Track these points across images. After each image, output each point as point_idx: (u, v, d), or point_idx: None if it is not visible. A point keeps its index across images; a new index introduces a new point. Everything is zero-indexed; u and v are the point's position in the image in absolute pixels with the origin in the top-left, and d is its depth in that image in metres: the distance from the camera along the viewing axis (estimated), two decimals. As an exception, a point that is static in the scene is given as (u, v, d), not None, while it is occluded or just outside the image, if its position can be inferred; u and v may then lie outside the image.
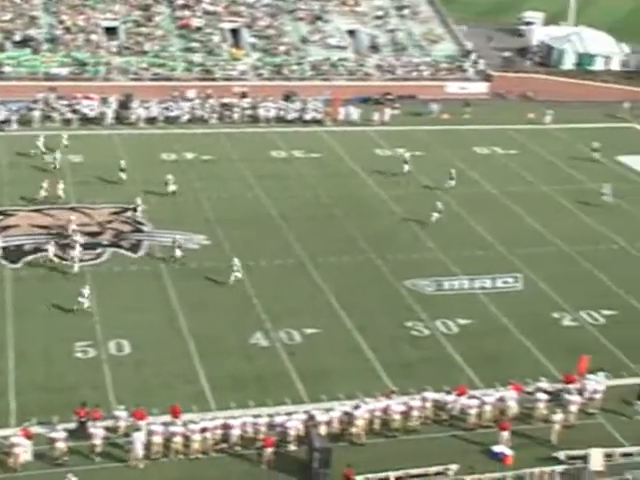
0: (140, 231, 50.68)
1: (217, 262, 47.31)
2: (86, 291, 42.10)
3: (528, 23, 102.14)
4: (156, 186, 55.82)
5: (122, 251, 48.16)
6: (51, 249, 46.27)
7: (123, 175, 56.75)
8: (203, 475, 32.26)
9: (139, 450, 32.21)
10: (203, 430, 32.99)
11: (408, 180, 60.22)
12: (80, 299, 41.70)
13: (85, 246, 47.05)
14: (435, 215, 53.52)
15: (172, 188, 54.89)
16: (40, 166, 58.42)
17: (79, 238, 47.18)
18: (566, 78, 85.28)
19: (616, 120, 77.11)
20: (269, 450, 32.63)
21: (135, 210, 52.28)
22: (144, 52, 77.38)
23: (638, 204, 58.66)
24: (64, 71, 74.17)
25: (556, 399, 36.51)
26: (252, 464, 32.77)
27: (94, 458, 32.44)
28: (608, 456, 33.65)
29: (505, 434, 34.16)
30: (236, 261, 45.55)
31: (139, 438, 32.25)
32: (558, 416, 34.85)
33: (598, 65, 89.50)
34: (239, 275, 45.30)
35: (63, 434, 32.29)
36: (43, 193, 53.08)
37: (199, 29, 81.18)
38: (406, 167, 61.23)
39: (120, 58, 76.57)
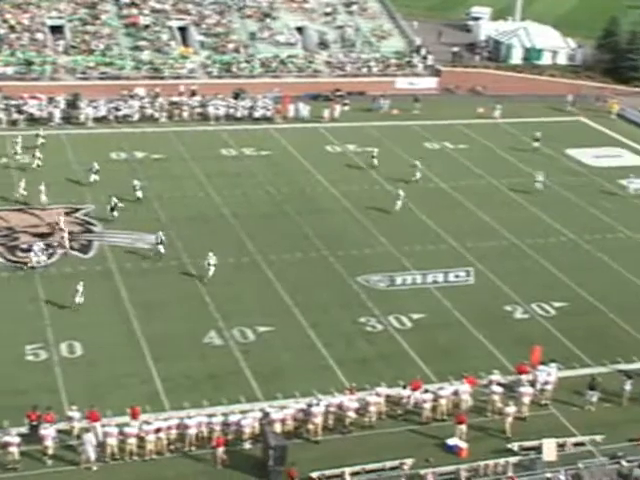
0: (90, 231, 50.20)
1: (169, 261, 47.05)
2: (80, 287, 42.06)
3: (475, 18, 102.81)
4: (105, 186, 55.31)
5: (73, 252, 47.65)
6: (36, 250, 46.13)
7: (96, 176, 56.09)
8: (158, 476, 32.03)
9: (91, 452, 31.90)
10: (157, 430, 32.78)
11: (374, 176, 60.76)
12: (77, 297, 41.80)
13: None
14: (399, 203, 54.44)
15: (139, 194, 53.67)
16: (17, 166, 58.24)
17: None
18: (514, 73, 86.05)
19: (564, 114, 77.94)
20: (220, 450, 32.51)
21: (113, 209, 51.66)
22: (91, 51, 76.61)
23: (586, 196, 59.35)
24: (9, 70, 73.21)
25: (509, 391, 36.85)
26: (207, 464, 32.63)
27: (46, 461, 32.08)
28: (561, 446, 34.02)
29: (462, 427, 34.37)
30: (211, 254, 45.63)
31: (90, 440, 31.93)
32: (511, 408, 35.14)
33: (545, 59, 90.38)
34: (212, 270, 45.40)
35: (17, 439, 31.85)
36: (22, 192, 52.97)
37: (147, 27, 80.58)
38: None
39: (67, 57, 75.77)
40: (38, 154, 58.68)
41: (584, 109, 78.52)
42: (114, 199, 52.11)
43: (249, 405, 35.07)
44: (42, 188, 53.04)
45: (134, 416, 33.53)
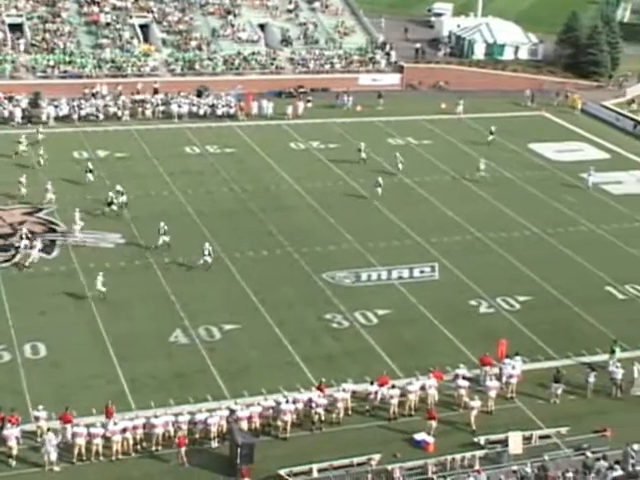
0: (54, 231, 49.80)
1: (133, 260, 46.82)
2: (101, 278, 42.64)
3: (438, 15, 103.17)
4: (69, 185, 54.89)
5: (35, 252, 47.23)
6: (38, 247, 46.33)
7: (91, 176, 55.90)
8: (124, 476, 31.85)
9: (52, 453, 31.64)
10: (123, 430, 32.60)
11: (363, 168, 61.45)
12: (99, 286, 42.43)
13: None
14: (379, 190, 55.90)
15: (123, 199, 52.89)
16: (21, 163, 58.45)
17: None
18: (477, 68, 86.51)
19: (526, 109, 78.44)
20: (182, 449, 32.32)
21: (110, 205, 51.79)
22: (52, 49, 75.94)
23: (549, 190, 59.76)
24: (-32, 70, 72.58)
25: (477, 385, 37.08)
26: (174, 463, 32.48)
27: (10, 463, 31.78)
28: (527, 439, 34.24)
29: (433, 423, 34.49)
30: (207, 245, 46.12)
31: (50, 440, 31.68)
32: (476, 402, 35.32)
33: (507, 55, 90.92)
34: (209, 259, 45.87)
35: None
36: (23, 190, 53.36)
37: (108, 25, 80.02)
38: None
39: (27, 56, 75.06)
40: (41, 151, 59.18)
41: (545, 104, 79.01)
42: (111, 194, 52.19)
43: (216, 403, 34.95)
44: (49, 187, 53.17)
45: (108, 415, 33.35)
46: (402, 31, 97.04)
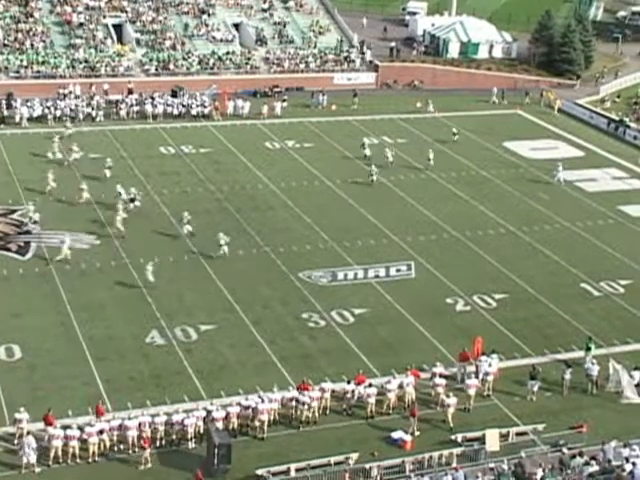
0: (28, 232, 49.46)
1: (109, 261, 46.59)
2: (150, 267, 44.06)
3: (412, 13, 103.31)
4: (42, 186, 54.62)
5: (9, 254, 46.93)
6: (67, 243, 46.77)
7: (108, 172, 56.46)
8: (101, 478, 31.68)
9: (31, 455, 31.44)
10: (100, 432, 32.43)
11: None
12: (149, 276, 43.71)
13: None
14: (373, 176, 58.37)
15: (137, 203, 52.86)
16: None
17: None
18: (451, 67, 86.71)
19: (501, 107, 78.71)
20: (147, 451, 32.16)
21: (133, 200, 52.48)
22: (24, 49, 75.41)
23: (523, 188, 60.01)
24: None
25: (458, 382, 37.21)
26: (152, 464, 32.34)
27: None
28: (503, 436, 34.36)
29: (414, 420, 34.54)
30: (222, 235, 47.30)
31: (30, 443, 31.45)
32: (452, 399, 35.41)
33: (481, 53, 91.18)
34: (226, 249, 47.12)
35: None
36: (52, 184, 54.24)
37: (81, 25, 79.57)
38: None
39: None
40: (75, 147, 59.93)
41: (519, 102, 79.29)
42: (132, 189, 52.98)
43: (193, 404, 34.80)
44: (84, 187, 53.65)
45: (99, 414, 33.33)
46: (380, 30, 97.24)
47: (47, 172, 55.32)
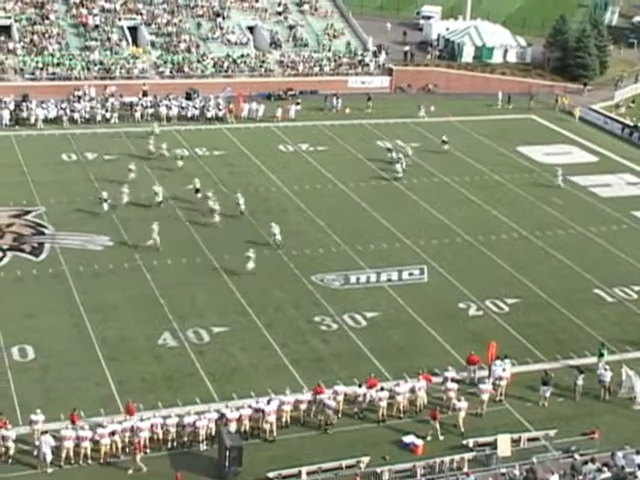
0: (42, 234, 49.66)
1: (122, 263, 46.72)
2: (156, 227, 46.42)
3: (426, 17, 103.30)
4: (57, 186, 54.85)
5: (23, 255, 47.12)
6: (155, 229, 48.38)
7: (132, 174, 56.93)
8: (113, 479, 31.76)
9: (48, 454, 31.57)
10: (112, 434, 32.51)
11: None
12: (249, 264, 45.49)
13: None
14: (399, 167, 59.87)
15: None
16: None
17: None
18: (465, 71, 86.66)
19: (516, 111, 78.56)
20: (138, 455, 32.13)
21: (197, 191, 54.61)
22: (40, 51, 75.73)
23: (538, 193, 59.82)
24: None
25: (467, 387, 37.13)
26: (163, 466, 32.41)
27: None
28: (515, 441, 34.29)
29: (434, 423, 34.55)
30: (273, 224, 49.80)
31: (48, 442, 31.60)
32: (463, 404, 35.35)
33: (496, 58, 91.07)
34: (280, 237, 49.19)
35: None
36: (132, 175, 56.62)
37: (96, 27, 79.87)
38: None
39: (15, 57, 74.84)
40: (164, 146, 62.02)
41: (523, 107, 79.09)
42: (196, 180, 55.32)
43: (205, 406, 34.85)
44: (157, 189, 54.53)
45: (130, 413, 33.54)
46: (395, 33, 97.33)
47: (129, 164, 57.66)
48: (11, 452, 32.08)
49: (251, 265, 46.45)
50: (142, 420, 33.13)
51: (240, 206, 52.77)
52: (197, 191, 54.76)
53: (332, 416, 34.82)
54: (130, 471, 31.96)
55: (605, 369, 38.17)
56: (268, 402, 34.41)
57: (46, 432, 32.15)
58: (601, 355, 39.54)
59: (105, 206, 52.52)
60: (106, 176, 57.75)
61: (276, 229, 49.42)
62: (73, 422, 32.79)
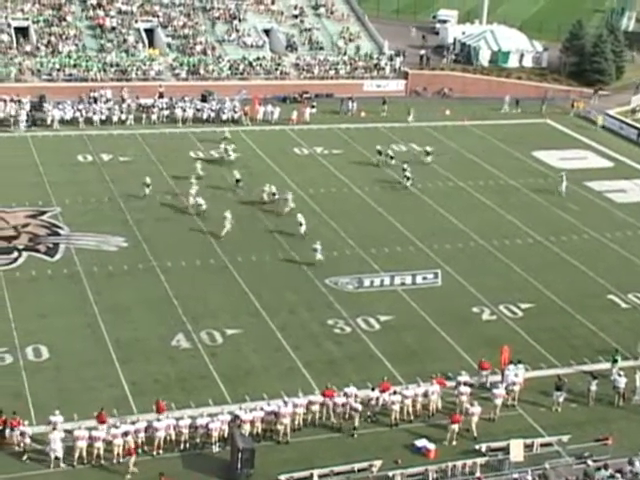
0: (57, 234, 49.85)
1: (136, 264, 46.85)
2: (318, 246, 47.44)
3: (442, 21, 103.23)
4: (72, 187, 55.08)
5: (38, 255, 47.31)
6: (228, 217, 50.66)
7: (147, 190, 55.63)
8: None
9: (59, 450, 31.71)
10: (125, 434, 32.59)
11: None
12: (318, 255, 47.18)
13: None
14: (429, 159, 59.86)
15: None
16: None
17: None
18: (481, 75, 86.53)
19: (531, 115, 78.39)
20: (132, 459, 32.11)
21: (238, 182, 57.12)
22: (57, 52, 76.06)
23: (552, 197, 59.71)
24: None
25: (480, 391, 37.06)
26: (174, 467, 32.47)
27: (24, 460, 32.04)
28: (528, 447, 34.19)
29: (455, 427, 34.52)
30: (299, 215, 51.65)
31: (58, 438, 31.75)
32: (476, 408, 35.29)
33: (512, 62, 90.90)
34: (302, 224, 51.01)
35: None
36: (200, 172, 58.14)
37: (113, 29, 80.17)
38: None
39: (32, 58, 75.18)
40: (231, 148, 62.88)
41: (531, 112, 78.99)
42: (236, 172, 57.50)
43: (218, 408, 34.89)
44: (193, 191, 54.66)
45: (160, 410, 33.72)
46: (411, 37, 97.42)
47: (195, 164, 59.30)
48: (27, 448, 32.29)
49: (319, 256, 47.76)
50: (159, 420, 33.23)
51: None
52: (237, 181, 57.22)
53: (358, 419, 34.85)
54: (128, 476, 31.97)
55: (619, 375, 38.04)
56: (285, 404, 34.45)
57: (55, 428, 32.28)
58: (615, 361, 39.41)
59: (147, 190, 54.83)
60: (121, 177, 57.86)
61: (302, 219, 51.13)
62: (102, 422, 32.92)
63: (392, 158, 63.32)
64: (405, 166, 60.60)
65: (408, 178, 59.35)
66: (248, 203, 55.49)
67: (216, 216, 51.91)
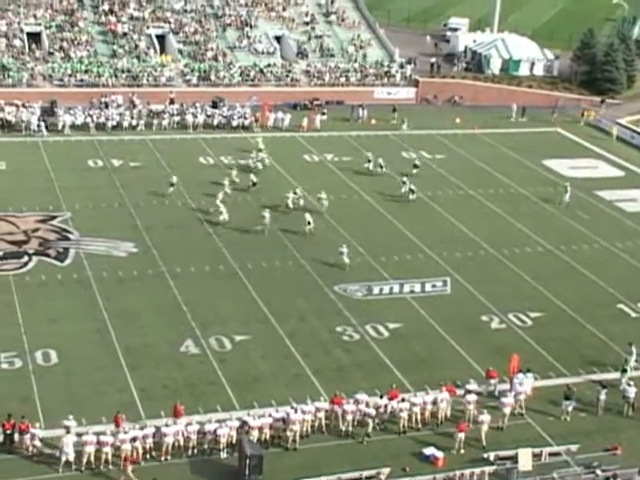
0: (67, 239, 49.97)
1: (146, 270, 46.92)
2: (345, 249, 47.99)
3: (453, 29, 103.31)
4: (83, 192, 55.21)
5: (48, 260, 47.43)
6: (267, 216, 52.06)
7: (171, 189, 56.51)
8: (134, 485, 31.94)
9: (70, 453, 31.76)
10: (133, 439, 32.61)
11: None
12: (344, 257, 47.87)
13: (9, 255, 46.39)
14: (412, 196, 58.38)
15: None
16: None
17: None
18: (492, 83, 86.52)
19: (542, 124, 78.35)
20: (129, 467, 32.05)
21: (254, 185, 57.98)
22: (69, 58, 76.34)
23: (562, 206, 59.56)
24: (-14, 77, 72.96)
25: (489, 399, 36.98)
26: (182, 472, 32.48)
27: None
28: (536, 456, 34.11)
29: (462, 435, 34.47)
30: (307, 215, 52.80)
31: (70, 441, 31.83)
32: (485, 417, 35.21)
33: (523, 71, 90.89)
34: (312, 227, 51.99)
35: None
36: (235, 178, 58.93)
37: (125, 35, 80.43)
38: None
39: (44, 64, 75.47)
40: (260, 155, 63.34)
41: (539, 120, 78.89)
42: (252, 176, 58.39)
43: (226, 414, 34.90)
44: (220, 196, 55.02)
45: (178, 415, 33.80)
46: (424, 45, 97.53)
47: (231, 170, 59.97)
48: (36, 451, 32.41)
49: (345, 259, 48.41)
50: (168, 425, 33.25)
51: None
52: (254, 184, 57.93)
53: (371, 425, 34.88)
54: (122, 477, 31.97)
55: (629, 384, 37.94)
56: (295, 410, 34.44)
57: (68, 432, 32.43)
58: (624, 371, 39.30)
59: (171, 189, 56.13)
60: (132, 183, 57.98)
61: (309, 218, 52.05)
62: (117, 425, 33.00)
63: (382, 167, 63.10)
64: (405, 179, 60.11)
65: (413, 191, 58.87)
66: (257, 210, 55.49)
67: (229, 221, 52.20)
